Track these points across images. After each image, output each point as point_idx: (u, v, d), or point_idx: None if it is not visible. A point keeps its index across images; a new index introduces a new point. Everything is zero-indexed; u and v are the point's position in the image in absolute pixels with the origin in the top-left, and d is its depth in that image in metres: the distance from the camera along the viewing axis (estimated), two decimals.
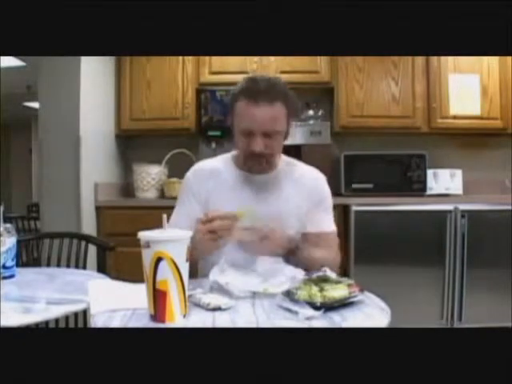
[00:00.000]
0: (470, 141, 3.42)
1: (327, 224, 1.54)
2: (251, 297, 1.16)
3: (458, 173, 3.24)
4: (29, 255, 2.14)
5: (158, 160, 3.20)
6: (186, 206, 1.50)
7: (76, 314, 1.63)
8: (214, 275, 1.20)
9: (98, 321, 1.00)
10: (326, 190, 1.56)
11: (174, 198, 1.62)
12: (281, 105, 1.37)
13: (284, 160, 1.56)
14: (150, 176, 3.18)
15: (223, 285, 1.17)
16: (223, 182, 1.50)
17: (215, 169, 1.54)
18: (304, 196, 1.50)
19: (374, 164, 3.14)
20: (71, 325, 1.91)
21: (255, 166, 1.45)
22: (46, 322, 1.50)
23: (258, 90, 1.35)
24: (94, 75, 3.01)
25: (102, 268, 1.94)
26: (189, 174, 1.57)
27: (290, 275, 1.25)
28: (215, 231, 1.24)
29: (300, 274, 1.25)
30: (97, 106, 3.06)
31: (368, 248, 2.87)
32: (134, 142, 3.51)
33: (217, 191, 1.49)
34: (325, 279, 1.13)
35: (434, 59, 3.19)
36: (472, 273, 2.86)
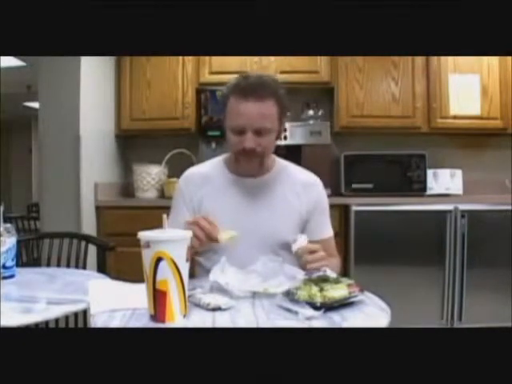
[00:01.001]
0: (470, 141, 3.42)
1: (327, 230, 1.54)
2: (251, 297, 1.16)
3: (458, 173, 3.24)
4: (29, 255, 2.14)
5: (158, 160, 3.20)
6: (177, 217, 1.46)
7: (76, 314, 1.63)
8: (215, 275, 1.20)
9: (98, 321, 1.00)
10: (323, 194, 1.55)
11: None
12: (271, 102, 1.36)
13: (278, 163, 1.54)
14: (150, 176, 3.18)
15: (223, 285, 1.17)
16: (215, 188, 1.48)
17: (206, 174, 1.52)
18: (301, 200, 1.49)
19: (374, 164, 3.14)
20: (71, 325, 1.91)
21: (246, 164, 1.43)
22: (46, 322, 1.50)
23: (248, 86, 1.35)
24: (94, 75, 3.01)
25: (101, 268, 1.94)
26: (180, 182, 1.55)
27: (289, 275, 1.25)
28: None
29: (300, 273, 1.25)
30: (97, 106, 3.06)
31: (368, 248, 2.87)
32: (134, 142, 3.51)
33: (209, 197, 1.48)
34: (325, 279, 1.13)
35: (434, 59, 3.19)
36: (472, 273, 2.86)
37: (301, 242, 1.30)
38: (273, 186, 1.49)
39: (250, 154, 1.39)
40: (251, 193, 1.47)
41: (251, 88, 1.34)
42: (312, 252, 1.28)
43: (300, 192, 1.49)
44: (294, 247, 1.30)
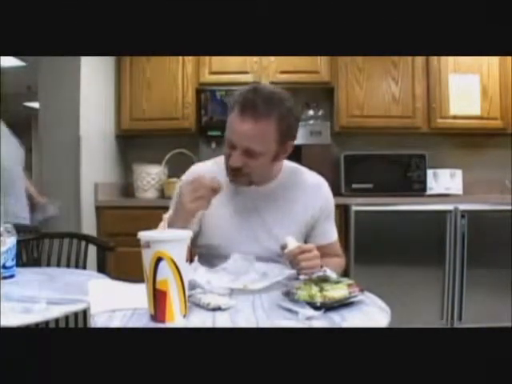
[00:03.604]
0: (470, 141, 3.42)
1: (332, 233, 1.53)
2: (251, 296, 1.16)
3: (458, 173, 3.24)
4: (29, 255, 2.14)
5: (158, 160, 3.20)
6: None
7: (76, 314, 1.63)
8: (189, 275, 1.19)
9: (98, 321, 1.00)
10: (330, 198, 1.52)
11: None
12: (270, 122, 1.27)
13: (285, 168, 1.50)
14: (150, 176, 3.18)
15: (203, 284, 1.16)
16: None
17: (209, 173, 1.48)
18: (307, 207, 1.45)
19: (374, 164, 3.14)
20: (71, 325, 1.91)
21: (233, 180, 1.39)
22: (46, 322, 1.50)
23: (250, 102, 1.26)
24: (94, 75, 3.01)
25: (101, 268, 1.94)
26: (184, 178, 1.53)
27: (261, 272, 1.26)
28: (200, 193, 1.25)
29: (271, 270, 1.26)
30: (97, 106, 3.06)
31: (368, 248, 2.87)
32: (134, 142, 3.51)
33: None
34: (325, 279, 1.13)
35: (434, 59, 3.19)
36: (472, 273, 2.86)
37: (291, 245, 1.27)
38: (277, 194, 1.46)
39: (235, 172, 1.35)
40: (255, 197, 1.45)
41: (252, 104, 1.26)
42: (304, 251, 1.25)
43: (306, 198, 1.46)
44: (286, 251, 1.27)
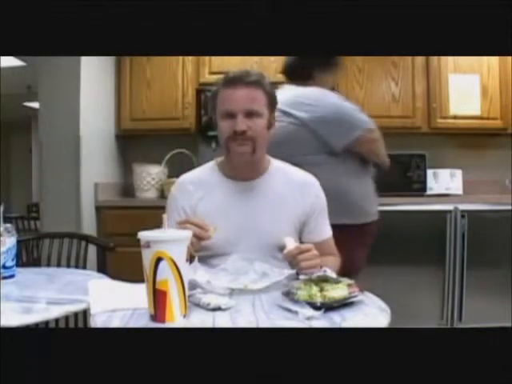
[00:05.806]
0: (470, 141, 3.42)
1: (326, 230, 1.53)
2: (251, 296, 1.16)
3: (458, 173, 3.24)
4: (29, 255, 2.14)
5: (158, 160, 3.20)
6: (170, 223, 1.45)
7: (76, 314, 1.63)
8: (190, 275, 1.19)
9: (98, 321, 1.00)
10: (321, 194, 1.52)
11: None
12: (257, 89, 1.38)
13: (273, 164, 1.52)
14: (150, 176, 3.18)
15: (203, 284, 1.16)
16: (210, 193, 1.46)
17: (200, 179, 1.49)
18: (298, 202, 1.46)
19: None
20: (71, 325, 1.91)
21: (238, 155, 1.40)
22: (46, 322, 1.50)
23: (235, 76, 1.40)
24: (94, 75, 3.01)
25: (101, 268, 1.94)
26: (173, 189, 1.52)
27: (260, 272, 1.26)
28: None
29: (271, 270, 1.26)
30: (97, 106, 3.06)
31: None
32: (134, 142, 3.51)
33: (204, 202, 1.45)
34: (325, 279, 1.13)
35: (434, 59, 3.19)
36: (472, 273, 2.86)
37: (289, 245, 1.27)
38: (268, 188, 1.47)
39: (241, 139, 1.37)
40: (246, 196, 1.45)
41: (238, 77, 1.39)
42: (303, 252, 1.26)
43: (296, 193, 1.47)
44: (284, 252, 1.28)
